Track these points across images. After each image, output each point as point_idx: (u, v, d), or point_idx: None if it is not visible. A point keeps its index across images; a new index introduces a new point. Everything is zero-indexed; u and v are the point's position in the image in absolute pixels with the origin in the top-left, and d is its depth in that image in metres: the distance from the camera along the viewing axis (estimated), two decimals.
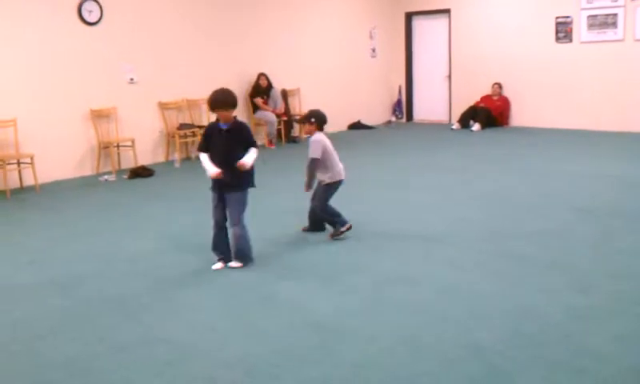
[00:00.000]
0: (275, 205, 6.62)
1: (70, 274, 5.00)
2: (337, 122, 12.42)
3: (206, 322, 3.99)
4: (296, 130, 12.15)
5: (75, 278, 4.92)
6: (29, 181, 8.41)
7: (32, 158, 8.21)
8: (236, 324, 3.94)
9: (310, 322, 3.92)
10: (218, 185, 4.86)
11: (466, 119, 12.69)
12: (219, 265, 4.95)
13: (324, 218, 5.68)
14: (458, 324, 3.80)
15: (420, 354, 3.45)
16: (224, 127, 4.84)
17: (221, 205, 4.90)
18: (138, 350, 3.66)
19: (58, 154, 8.89)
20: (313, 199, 5.70)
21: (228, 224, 4.94)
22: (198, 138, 10.25)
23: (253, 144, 4.92)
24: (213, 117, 10.26)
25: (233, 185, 4.85)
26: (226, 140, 4.82)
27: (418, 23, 14.29)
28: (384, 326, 3.80)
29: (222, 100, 4.78)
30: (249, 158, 4.83)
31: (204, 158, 4.89)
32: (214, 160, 4.84)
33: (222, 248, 4.99)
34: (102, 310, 4.29)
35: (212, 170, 4.80)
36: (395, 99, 14.56)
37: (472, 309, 4.01)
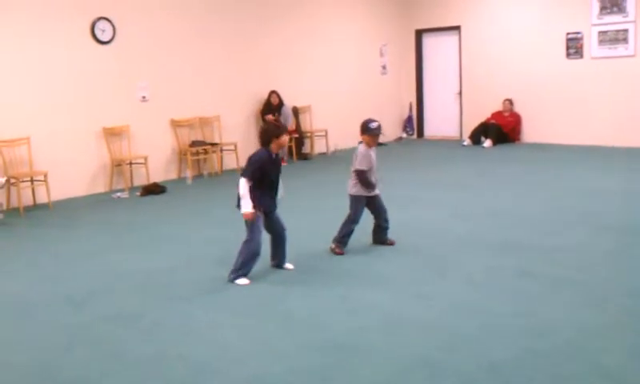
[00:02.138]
0: (290, 223, 6.60)
1: (84, 291, 5.01)
2: (348, 139, 12.43)
3: (221, 340, 3.98)
4: (307, 146, 12.19)
5: (89, 294, 4.93)
6: (42, 198, 8.46)
7: (45, 176, 8.26)
8: (252, 342, 3.93)
9: (327, 340, 3.90)
10: (268, 209, 5.08)
11: (477, 135, 12.69)
12: (246, 281, 4.97)
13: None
14: (474, 341, 3.77)
15: (437, 372, 3.42)
16: (273, 155, 5.08)
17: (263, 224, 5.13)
18: (153, 367, 3.66)
19: (71, 171, 8.94)
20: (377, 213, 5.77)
21: (277, 232, 5.21)
22: (210, 156, 10.37)
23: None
24: (228, 134, 10.33)
25: (276, 206, 5.20)
26: (278, 166, 5.15)
27: (428, 40, 14.33)
28: (400, 345, 3.78)
29: (282, 128, 5.18)
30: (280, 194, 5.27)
31: (247, 190, 4.93)
32: (270, 186, 5.06)
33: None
34: (115, 326, 4.29)
35: (246, 209, 4.92)
36: (406, 116, 14.58)
37: (487, 326, 3.98)
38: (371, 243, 5.84)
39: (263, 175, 5.00)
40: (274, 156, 5.07)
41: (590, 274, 4.86)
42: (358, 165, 5.59)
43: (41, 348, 4.00)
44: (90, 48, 9.09)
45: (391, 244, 5.80)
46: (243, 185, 4.91)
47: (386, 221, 5.78)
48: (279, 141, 5.03)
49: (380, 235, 5.82)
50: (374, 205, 5.71)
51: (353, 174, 5.66)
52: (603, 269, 4.97)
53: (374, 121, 5.70)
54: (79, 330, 4.25)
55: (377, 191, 5.71)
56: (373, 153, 5.71)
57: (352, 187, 5.67)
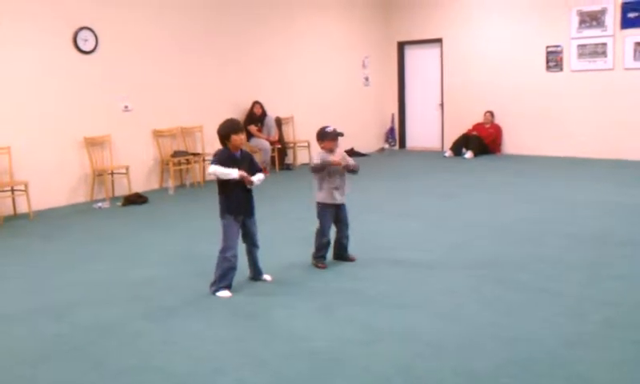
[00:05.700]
0: (271, 233, 6.62)
1: (65, 302, 4.98)
2: None
3: (202, 351, 3.97)
4: (290, 157, 12.21)
5: (70, 305, 4.90)
6: (23, 208, 8.39)
7: (26, 186, 8.20)
8: (232, 353, 3.93)
9: (307, 350, 3.91)
10: (242, 212, 5.01)
11: (458, 147, 12.78)
12: (228, 293, 4.93)
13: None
14: (454, 351, 3.80)
15: (416, 381, 3.45)
16: (237, 156, 4.97)
17: (240, 232, 5.05)
18: (133, 378, 3.64)
19: (52, 181, 8.89)
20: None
21: (250, 245, 5.16)
22: (192, 166, 10.35)
23: (261, 170, 5.18)
24: (210, 144, 10.24)
25: (251, 210, 5.10)
26: (240, 168, 4.94)
27: (410, 52, 14.43)
28: (380, 355, 3.80)
29: (239, 125, 5.02)
30: (258, 177, 5.07)
31: (221, 167, 4.89)
32: (232, 187, 4.93)
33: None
34: (96, 337, 4.27)
35: (236, 172, 4.87)
36: (388, 127, 14.66)
37: (467, 336, 4.01)
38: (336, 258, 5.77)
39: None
40: (237, 155, 4.96)
41: (569, 284, 4.91)
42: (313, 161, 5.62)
43: (21, 359, 3.97)
44: (73, 58, 9.05)
45: (352, 260, 5.70)
46: (215, 167, 4.87)
47: (347, 237, 5.69)
48: (237, 137, 4.90)
49: (340, 251, 5.72)
50: (338, 216, 5.62)
51: (316, 181, 5.63)
52: (582, 279, 5.03)
53: (328, 126, 5.76)
54: (59, 341, 4.22)
55: (342, 200, 5.61)
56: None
57: (317, 194, 5.63)
